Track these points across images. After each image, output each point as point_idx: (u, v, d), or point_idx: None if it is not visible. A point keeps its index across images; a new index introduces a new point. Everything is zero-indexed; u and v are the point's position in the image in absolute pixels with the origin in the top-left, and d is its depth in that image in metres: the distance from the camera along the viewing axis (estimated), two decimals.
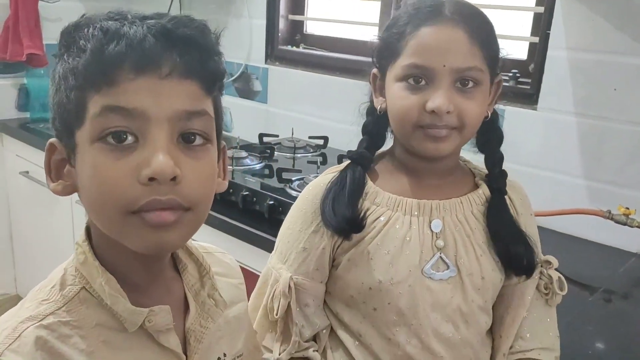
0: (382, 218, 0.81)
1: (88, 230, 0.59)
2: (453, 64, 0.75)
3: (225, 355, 0.67)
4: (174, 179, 0.51)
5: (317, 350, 0.86)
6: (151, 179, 0.50)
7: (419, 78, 0.76)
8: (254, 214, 1.40)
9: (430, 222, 0.81)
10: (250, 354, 0.77)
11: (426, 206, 0.82)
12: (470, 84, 0.76)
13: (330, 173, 0.86)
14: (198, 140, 0.55)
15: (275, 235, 0.90)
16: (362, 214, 0.81)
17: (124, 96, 0.51)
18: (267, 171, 1.58)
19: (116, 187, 0.51)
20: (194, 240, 0.66)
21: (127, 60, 0.50)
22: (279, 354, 0.84)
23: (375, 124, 0.86)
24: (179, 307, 0.63)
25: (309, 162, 1.68)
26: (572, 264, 1.22)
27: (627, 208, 1.29)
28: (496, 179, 0.85)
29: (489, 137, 0.86)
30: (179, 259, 0.65)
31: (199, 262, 0.66)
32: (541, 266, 0.86)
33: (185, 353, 0.61)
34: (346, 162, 0.86)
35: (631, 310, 1.15)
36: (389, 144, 0.89)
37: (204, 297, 0.64)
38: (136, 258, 0.56)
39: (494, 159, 0.86)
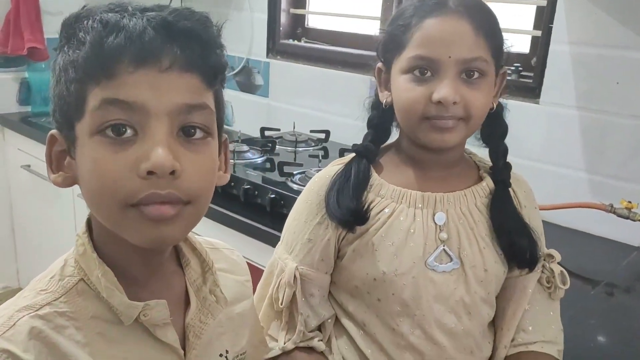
0: (386, 210, 0.82)
1: (89, 223, 0.59)
2: (458, 55, 0.75)
3: (227, 352, 0.67)
4: (173, 172, 0.51)
5: (322, 340, 0.87)
6: (150, 173, 0.50)
7: (425, 70, 0.76)
8: (255, 207, 1.40)
9: (434, 215, 0.82)
10: (256, 349, 0.77)
11: (430, 199, 0.82)
12: (476, 75, 0.76)
13: (336, 165, 0.87)
14: (198, 134, 0.54)
15: (276, 229, 0.90)
16: (366, 206, 0.81)
17: (124, 89, 0.50)
18: (268, 165, 1.58)
19: (115, 180, 0.51)
20: (196, 233, 0.66)
21: (127, 53, 0.50)
22: (284, 343, 0.84)
23: (381, 118, 0.86)
24: (180, 302, 0.63)
25: (310, 156, 1.68)
26: (575, 258, 1.22)
27: (630, 202, 1.29)
28: (500, 171, 0.85)
29: (494, 129, 0.86)
30: (182, 254, 0.65)
31: (202, 258, 0.65)
32: (544, 260, 0.87)
33: (184, 348, 0.61)
34: (352, 154, 0.86)
35: (633, 304, 1.15)
36: (394, 137, 0.90)
37: (205, 292, 0.64)
38: (135, 251, 0.56)
39: (498, 152, 0.86)
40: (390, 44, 0.81)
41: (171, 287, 0.62)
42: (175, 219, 0.53)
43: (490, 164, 0.87)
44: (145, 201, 0.51)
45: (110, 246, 0.58)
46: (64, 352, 0.53)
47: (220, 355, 0.66)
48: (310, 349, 0.86)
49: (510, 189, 0.86)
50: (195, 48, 0.53)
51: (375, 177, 0.84)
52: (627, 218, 1.29)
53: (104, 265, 0.56)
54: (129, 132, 0.51)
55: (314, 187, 0.86)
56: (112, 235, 0.55)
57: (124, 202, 0.51)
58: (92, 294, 0.57)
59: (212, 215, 1.41)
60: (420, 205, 0.82)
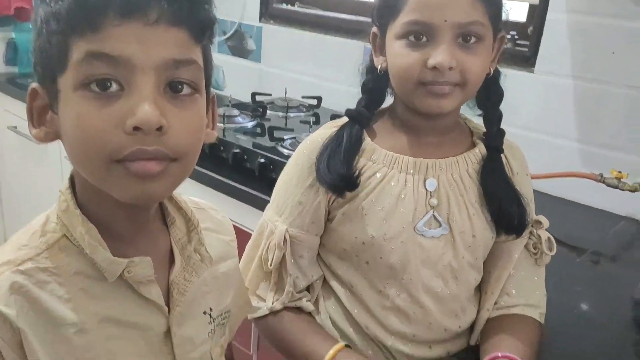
0: (377, 175, 0.81)
1: (72, 179, 0.58)
2: (454, 18, 0.73)
3: (211, 309, 0.67)
4: (160, 129, 0.50)
5: (310, 301, 0.88)
6: (136, 129, 0.49)
7: (420, 34, 0.75)
8: (244, 171, 1.40)
9: (425, 181, 0.81)
10: (240, 309, 0.77)
11: (422, 165, 0.81)
12: (473, 40, 0.75)
13: (329, 128, 0.86)
14: (186, 90, 0.53)
15: (265, 193, 0.90)
16: (357, 172, 0.81)
17: (109, 42, 0.49)
18: (259, 130, 1.57)
19: (100, 136, 0.50)
20: (180, 193, 0.65)
21: (112, 5, 0.48)
22: (272, 303, 0.85)
23: (375, 83, 0.85)
24: (164, 260, 0.62)
25: (301, 121, 1.66)
26: (562, 226, 1.22)
27: (620, 172, 1.29)
28: (494, 137, 0.85)
29: (489, 95, 0.85)
30: (167, 212, 0.64)
31: (188, 217, 0.65)
32: (532, 226, 0.87)
33: (168, 306, 0.61)
34: (345, 118, 0.85)
35: (618, 272, 1.17)
36: (388, 103, 0.88)
37: (190, 251, 0.63)
38: (120, 208, 0.55)
39: (493, 118, 0.85)
40: (385, 8, 0.79)
41: (156, 245, 0.62)
42: (162, 176, 0.52)
43: (485, 130, 0.87)
44: (131, 157, 0.50)
45: (94, 203, 0.57)
46: (45, 308, 0.53)
47: (204, 312, 0.66)
48: (298, 309, 0.87)
49: (502, 155, 0.86)
50: (183, 2, 0.51)
51: (367, 142, 0.83)
52: (617, 187, 1.29)
53: (88, 222, 0.56)
54: (114, 86, 0.50)
55: (306, 150, 0.85)
56: (96, 192, 0.54)
57: (109, 158, 0.50)
58: (74, 250, 0.56)
59: (201, 179, 1.40)
60: (411, 171, 0.81)
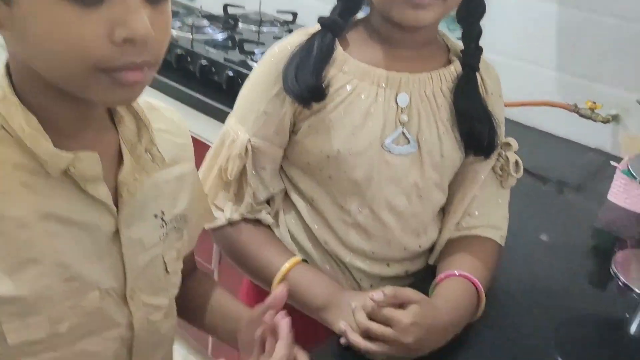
0: (348, 87, 0.78)
1: (8, 68, 0.53)
2: None
3: (163, 213, 0.64)
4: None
5: (269, 213, 0.86)
6: (126, 40, 0.46)
7: None
8: (212, 84, 1.34)
9: (396, 96, 0.78)
10: (200, 217, 0.75)
11: (395, 79, 0.78)
12: None
13: (299, 35, 0.81)
14: None
15: (232, 108, 0.86)
16: (326, 82, 0.77)
17: None
18: (229, 43, 1.50)
19: (84, 44, 0.46)
20: None
21: None
22: (230, 214, 0.83)
23: None
24: (113, 160, 0.59)
25: (275, 37, 1.59)
26: (531, 155, 1.22)
27: (594, 102, 1.28)
28: (471, 54, 0.81)
29: (471, 8, 0.80)
30: (115, 110, 0.60)
31: (138, 116, 0.61)
32: (500, 148, 0.85)
33: (117, 206, 0.58)
34: (317, 26, 0.80)
35: (580, 202, 1.18)
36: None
37: (140, 151, 0.60)
38: (64, 99, 0.52)
39: (472, 33, 0.81)
40: None
41: (103, 143, 0.58)
42: (143, 81, 0.51)
43: (462, 47, 0.83)
44: (119, 69, 0.48)
45: (33, 92, 0.52)
46: None
47: (155, 216, 0.63)
48: (257, 222, 0.85)
49: (478, 74, 0.83)
50: None
51: (339, 52, 0.79)
52: (589, 118, 1.28)
53: (27, 112, 0.51)
54: None
55: (273, 58, 0.80)
56: (37, 80, 0.50)
57: (94, 67, 0.47)
58: (13, 142, 0.52)
59: (166, 90, 1.35)
60: (383, 85, 0.78)
